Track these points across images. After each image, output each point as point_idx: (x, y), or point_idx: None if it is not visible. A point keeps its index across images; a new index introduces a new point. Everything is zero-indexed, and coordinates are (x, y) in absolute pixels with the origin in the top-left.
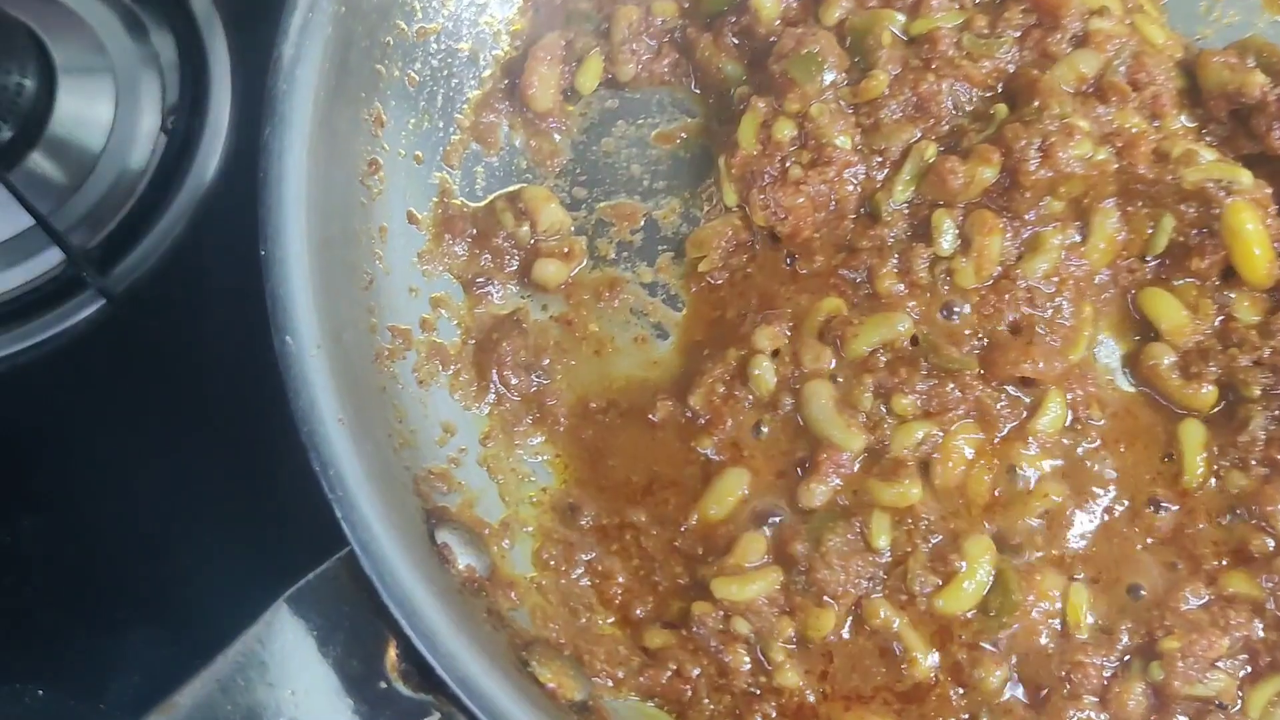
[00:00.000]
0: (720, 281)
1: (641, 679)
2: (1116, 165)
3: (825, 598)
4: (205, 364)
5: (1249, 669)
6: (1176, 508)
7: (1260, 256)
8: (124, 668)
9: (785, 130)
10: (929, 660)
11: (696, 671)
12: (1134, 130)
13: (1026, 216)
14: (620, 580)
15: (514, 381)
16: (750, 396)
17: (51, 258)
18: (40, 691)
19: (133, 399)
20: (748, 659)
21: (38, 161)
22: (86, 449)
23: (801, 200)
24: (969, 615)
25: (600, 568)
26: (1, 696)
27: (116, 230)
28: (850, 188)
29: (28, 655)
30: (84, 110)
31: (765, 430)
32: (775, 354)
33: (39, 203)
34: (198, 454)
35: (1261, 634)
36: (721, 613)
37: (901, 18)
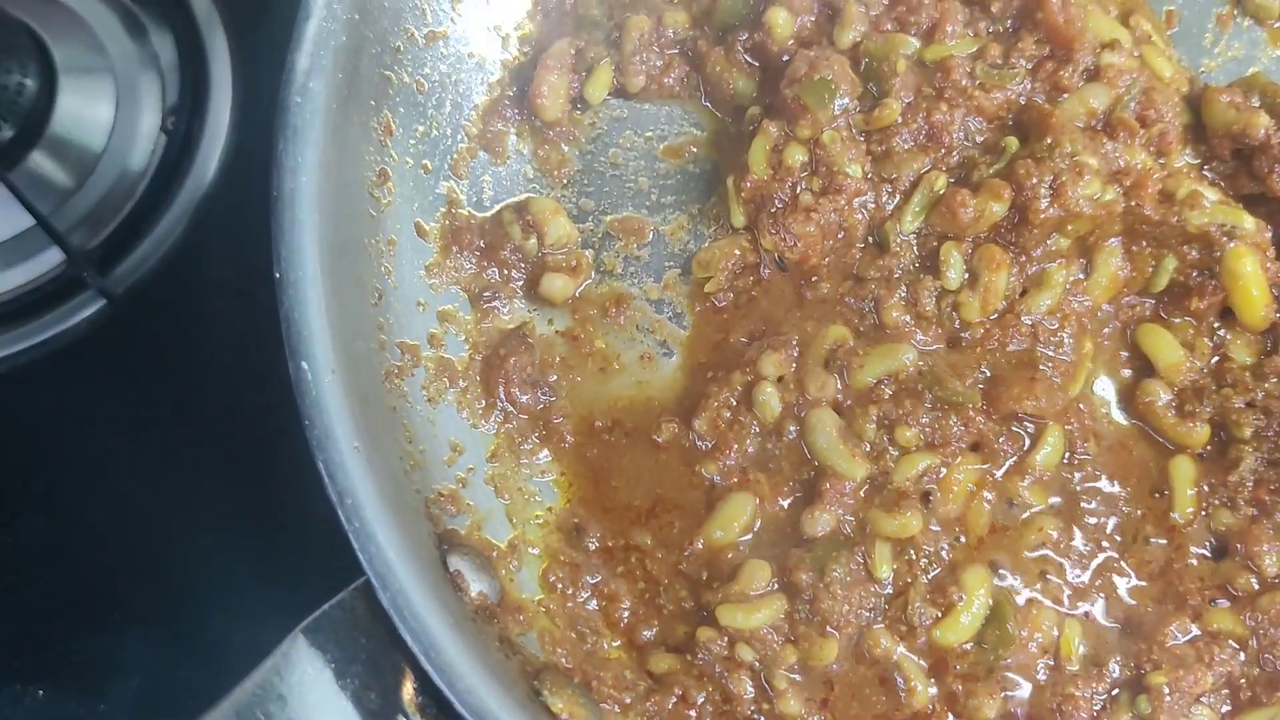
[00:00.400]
0: (724, 304)
1: (648, 704)
2: (1124, 205)
3: (828, 627)
4: (205, 364)
5: (1230, 705)
6: (1165, 543)
7: (1258, 299)
8: (124, 670)
9: (796, 156)
10: (928, 690)
11: (701, 697)
12: (1140, 168)
13: (1034, 253)
14: (626, 603)
15: (521, 399)
16: (755, 422)
17: (51, 258)
18: (41, 693)
19: (133, 399)
20: (751, 685)
21: (38, 161)
22: (87, 450)
23: (812, 228)
24: (966, 647)
25: (606, 590)
26: (2, 698)
27: (116, 230)
28: (859, 216)
29: (28, 656)
30: (84, 110)
31: (769, 457)
32: (780, 380)
33: (39, 203)
34: (198, 454)
35: (1243, 670)
36: (726, 639)
37: (916, 43)
